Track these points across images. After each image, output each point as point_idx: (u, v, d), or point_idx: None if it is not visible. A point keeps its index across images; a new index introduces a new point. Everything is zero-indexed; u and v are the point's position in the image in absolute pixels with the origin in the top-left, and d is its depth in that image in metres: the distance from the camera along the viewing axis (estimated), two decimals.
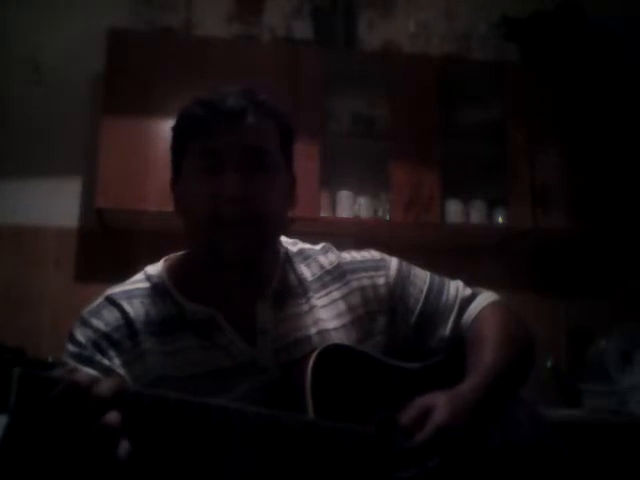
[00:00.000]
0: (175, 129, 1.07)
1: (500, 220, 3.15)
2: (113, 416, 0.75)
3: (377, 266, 1.17)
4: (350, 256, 1.18)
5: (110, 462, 0.75)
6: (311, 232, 2.14)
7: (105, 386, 0.76)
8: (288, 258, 1.14)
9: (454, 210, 3.11)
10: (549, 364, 3.02)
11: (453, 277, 1.25)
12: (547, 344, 3.02)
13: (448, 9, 3.56)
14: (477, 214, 3.14)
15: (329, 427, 0.92)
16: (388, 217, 3.05)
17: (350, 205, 3.07)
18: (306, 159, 2.77)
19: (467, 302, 1.18)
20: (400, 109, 3.11)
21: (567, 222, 3.11)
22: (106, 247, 3.04)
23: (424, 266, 1.24)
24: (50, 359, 0.80)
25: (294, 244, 1.17)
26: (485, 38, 3.48)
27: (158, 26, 3.22)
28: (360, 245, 1.26)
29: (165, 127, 2.77)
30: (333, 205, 3.06)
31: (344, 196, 3.07)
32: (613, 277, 3.37)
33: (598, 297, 3.31)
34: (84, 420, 0.74)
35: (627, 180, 3.18)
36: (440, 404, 0.93)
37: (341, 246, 1.22)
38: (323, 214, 2.97)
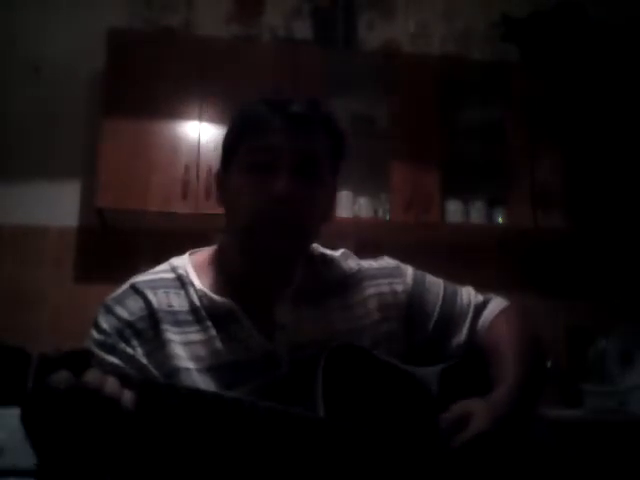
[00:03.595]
0: (234, 123, 1.10)
1: (500, 220, 3.15)
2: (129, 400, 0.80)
3: (394, 273, 1.20)
4: (367, 263, 1.21)
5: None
6: None
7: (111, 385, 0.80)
8: (312, 261, 1.16)
9: (454, 210, 3.11)
10: (549, 364, 3.02)
11: (453, 277, 1.27)
12: (547, 344, 3.01)
13: (448, 9, 3.56)
14: (477, 214, 3.14)
15: (337, 425, 0.94)
16: (388, 217, 3.05)
17: (350, 205, 3.07)
18: None
19: (481, 308, 1.22)
20: (400, 109, 3.11)
21: (567, 222, 3.11)
22: (106, 247, 3.03)
23: (424, 266, 1.26)
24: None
25: (316, 248, 1.20)
26: (485, 38, 3.48)
27: (158, 26, 3.22)
28: (360, 245, 1.27)
29: (165, 127, 2.79)
30: None
31: (344, 196, 3.06)
32: (613, 277, 3.37)
33: (598, 297, 3.31)
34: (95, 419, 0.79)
35: (627, 180, 3.18)
36: (479, 410, 0.99)
37: (341, 247, 1.23)
38: None
